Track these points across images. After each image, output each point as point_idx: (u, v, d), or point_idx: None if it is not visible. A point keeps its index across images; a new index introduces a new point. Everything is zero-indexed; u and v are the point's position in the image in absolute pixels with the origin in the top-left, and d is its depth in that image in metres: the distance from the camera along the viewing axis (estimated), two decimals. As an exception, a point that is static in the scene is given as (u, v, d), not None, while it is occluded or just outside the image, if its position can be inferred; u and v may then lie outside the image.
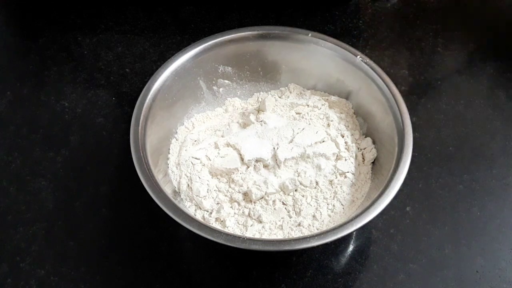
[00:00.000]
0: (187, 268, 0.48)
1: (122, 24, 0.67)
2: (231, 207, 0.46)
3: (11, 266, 0.47)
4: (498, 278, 0.47)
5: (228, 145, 0.49)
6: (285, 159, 0.47)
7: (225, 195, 0.46)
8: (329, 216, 0.45)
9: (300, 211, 0.45)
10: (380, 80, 0.48)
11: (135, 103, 0.46)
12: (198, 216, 0.45)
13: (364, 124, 0.51)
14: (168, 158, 0.50)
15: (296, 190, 0.46)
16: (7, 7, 0.70)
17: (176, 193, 0.47)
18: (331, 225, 0.43)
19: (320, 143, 0.49)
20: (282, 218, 0.45)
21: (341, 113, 0.52)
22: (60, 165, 0.54)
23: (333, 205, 0.45)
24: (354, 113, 0.52)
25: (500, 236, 0.49)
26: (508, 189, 0.52)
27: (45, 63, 0.63)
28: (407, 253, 0.48)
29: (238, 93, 0.55)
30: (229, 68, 0.53)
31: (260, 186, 0.46)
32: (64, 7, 0.69)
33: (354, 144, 0.50)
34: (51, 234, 0.49)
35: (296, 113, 0.52)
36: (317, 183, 0.47)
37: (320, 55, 0.52)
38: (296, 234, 0.44)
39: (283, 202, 0.46)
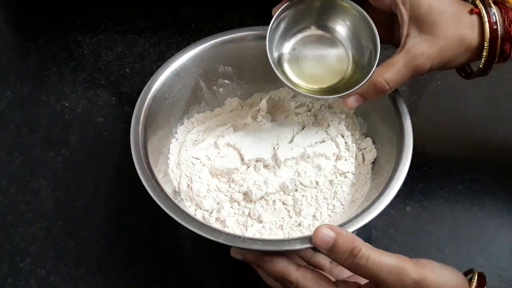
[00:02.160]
0: (187, 268, 0.48)
1: (122, 24, 0.67)
2: (231, 207, 0.46)
3: (11, 266, 0.47)
4: (498, 278, 0.47)
5: (228, 145, 0.49)
6: (285, 159, 0.47)
7: (225, 195, 0.46)
8: (329, 216, 0.45)
9: (300, 211, 0.45)
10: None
11: (135, 103, 0.46)
12: (198, 216, 0.45)
13: (364, 124, 0.51)
14: (168, 158, 0.50)
15: (296, 190, 0.46)
16: (7, 7, 0.70)
17: (176, 193, 0.47)
18: (331, 225, 0.43)
19: (320, 143, 0.49)
20: (282, 218, 0.45)
21: (341, 113, 0.52)
22: (60, 165, 0.54)
23: (333, 205, 0.45)
24: (354, 113, 0.52)
25: (500, 236, 0.49)
26: (508, 189, 0.52)
27: (45, 63, 0.64)
28: (407, 253, 0.47)
29: (238, 93, 0.55)
30: (229, 68, 0.53)
31: (260, 186, 0.46)
32: (64, 7, 0.69)
33: (354, 144, 0.50)
34: (51, 234, 0.50)
35: (296, 114, 0.52)
36: (317, 183, 0.47)
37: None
38: (296, 234, 0.44)
39: (283, 202, 0.46)
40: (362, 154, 0.50)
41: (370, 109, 0.50)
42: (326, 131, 0.50)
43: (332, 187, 0.47)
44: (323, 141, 0.49)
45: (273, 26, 0.45)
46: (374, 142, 0.50)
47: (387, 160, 0.45)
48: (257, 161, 0.47)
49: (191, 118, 0.53)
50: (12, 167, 0.54)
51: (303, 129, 0.50)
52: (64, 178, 0.53)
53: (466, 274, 0.37)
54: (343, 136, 0.50)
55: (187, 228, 0.39)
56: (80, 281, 0.47)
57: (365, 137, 0.51)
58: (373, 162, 0.49)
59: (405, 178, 0.41)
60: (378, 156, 0.49)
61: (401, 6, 0.42)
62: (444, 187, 0.52)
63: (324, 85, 0.47)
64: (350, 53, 0.47)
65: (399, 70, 0.42)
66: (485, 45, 0.42)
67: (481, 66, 0.44)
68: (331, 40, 0.48)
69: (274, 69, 0.44)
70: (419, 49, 0.42)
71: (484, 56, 0.42)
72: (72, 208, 0.51)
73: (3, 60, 0.64)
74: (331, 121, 0.51)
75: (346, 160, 0.48)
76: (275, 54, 0.47)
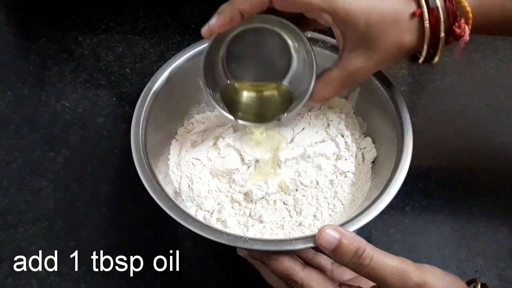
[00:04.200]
0: (187, 268, 0.48)
1: (122, 24, 0.67)
2: (232, 207, 0.46)
3: (11, 266, 0.47)
4: (498, 278, 0.47)
5: (228, 145, 0.49)
6: (286, 159, 0.47)
7: (226, 196, 0.46)
8: (330, 215, 0.45)
9: (301, 210, 0.45)
10: (380, 80, 0.48)
11: (136, 103, 0.46)
12: (199, 216, 0.45)
13: (363, 124, 0.51)
14: (168, 159, 0.50)
15: (296, 190, 0.46)
16: (7, 7, 0.70)
17: (177, 194, 0.47)
18: (332, 225, 0.43)
19: (320, 143, 0.49)
20: (283, 218, 0.45)
21: (341, 113, 0.52)
22: (60, 165, 0.54)
23: (334, 205, 0.45)
24: (353, 112, 0.52)
25: (500, 236, 0.49)
26: (508, 189, 0.52)
27: (46, 63, 0.63)
28: (407, 253, 0.48)
29: (238, 93, 0.55)
30: (229, 68, 0.53)
31: (260, 186, 0.46)
32: (64, 7, 0.69)
33: (354, 144, 0.50)
34: (51, 234, 0.50)
35: (296, 113, 0.52)
36: (317, 182, 0.47)
37: (319, 55, 0.52)
38: (297, 233, 0.44)
39: (283, 202, 0.46)
40: (362, 154, 0.50)
41: (369, 108, 0.50)
42: (326, 131, 0.50)
43: (333, 186, 0.47)
44: (323, 141, 0.49)
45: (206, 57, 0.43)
46: (373, 142, 0.50)
47: (387, 160, 0.45)
48: (257, 161, 0.47)
49: (191, 119, 0.53)
50: (13, 167, 0.54)
51: (303, 129, 0.50)
52: (65, 178, 0.53)
53: (469, 283, 0.37)
54: (343, 136, 0.50)
55: (187, 228, 0.39)
56: (80, 281, 0.47)
57: (365, 137, 0.51)
58: (373, 162, 0.49)
59: (405, 178, 0.42)
60: (378, 156, 0.49)
61: (336, 29, 0.42)
62: (444, 187, 0.52)
63: (271, 86, 0.47)
64: (288, 42, 0.45)
65: (336, 86, 0.43)
66: (424, 47, 0.41)
67: (420, 62, 0.43)
68: (268, 31, 0.44)
69: (210, 97, 0.44)
70: (355, 65, 0.41)
71: (423, 56, 0.41)
72: (72, 208, 0.51)
73: (3, 60, 0.64)
74: (331, 120, 0.51)
75: (346, 159, 0.48)
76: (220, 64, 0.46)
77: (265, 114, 0.47)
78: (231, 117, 0.45)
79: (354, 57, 0.41)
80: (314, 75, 0.43)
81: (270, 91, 0.48)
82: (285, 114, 0.46)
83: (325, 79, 0.43)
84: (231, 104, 0.46)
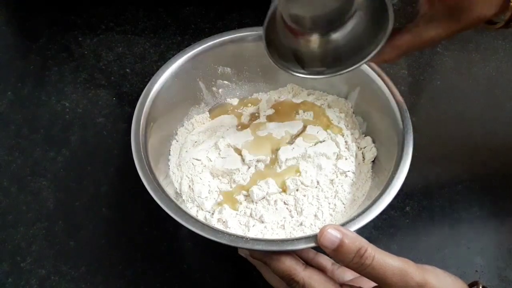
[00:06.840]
0: (187, 268, 0.48)
1: (122, 24, 0.68)
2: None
3: (11, 266, 0.47)
4: (497, 278, 0.47)
5: (228, 145, 0.49)
6: (286, 159, 0.47)
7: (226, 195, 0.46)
8: (331, 215, 0.45)
9: (301, 210, 0.45)
10: (380, 80, 0.48)
11: (136, 103, 0.46)
12: (200, 217, 0.45)
13: (363, 123, 0.51)
14: (168, 160, 0.50)
15: (297, 190, 0.46)
16: (7, 7, 0.70)
17: (178, 194, 0.47)
18: (333, 225, 0.43)
19: (320, 142, 0.49)
20: (284, 218, 0.45)
21: (341, 112, 0.52)
22: (60, 165, 0.54)
23: (335, 204, 0.45)
24: (353, 112, 0.52)
25: (500, 236, 0.49)
26: (508, 189, 0.52)
27: (46, 63, 0.64)
28: (407, 253, 0.48)
29: (238, 93, 0.55)
30: (228, 68, 0.53)
31: (261, 186, 0.46)
32: (64, 7, 0.69)
33: (354, 143, 0.50)
34: (51, 234, 0.50)
35: (296, 113, 0.52)
36: (318, 182, 0.47)
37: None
38: (298, 233, 0.44)
39: (284, 202, 0.46)
40: (362, 153, 0.50)
41: (369, 108, 0.50)
42: (326, 131, 0.50)
43: (333, 186, 0.47)
44: (324, 141, 0.49)
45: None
46: (373, 141, 0.50)
47: (387, 159, 0.45)
48: (258, 161, 0.47)
49: (191, 119, 0.53)
50: (13, 167, 0.54)
51: (303, 129, 0.50)
52: (65, 178, 0.53)
53: (471, 285, 0.37)
54: (343, 135, 0.50)
55: (187, 228, 0.39)
56: (81, 281, 0.47)
57: (365, 136, 0.51)
58: (373, 161, 0.49)
59: (405, 178, 0.42)
60: (378, 155, 0.49)
61: None
62: (444, 187, 0.52)
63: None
64: None
65: (403, 52, 0.40)
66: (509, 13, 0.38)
67: (498, 26, 0.40)
68: None
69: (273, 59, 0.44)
70: (432, 33, 0.39)
71: (505, 20, 0.39)
72: (72, 208, 0.51)
73: (3, 60, 0.64)
74: (331, 120, 0.51)
75: (346, 159, 0.48)
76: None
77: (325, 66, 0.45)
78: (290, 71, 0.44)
79: (435, 26, 0.39)
80: (387, 36, 0.40)
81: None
82: (343, 70, 0.44)
83: (395, 43, 0.40)
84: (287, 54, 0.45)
